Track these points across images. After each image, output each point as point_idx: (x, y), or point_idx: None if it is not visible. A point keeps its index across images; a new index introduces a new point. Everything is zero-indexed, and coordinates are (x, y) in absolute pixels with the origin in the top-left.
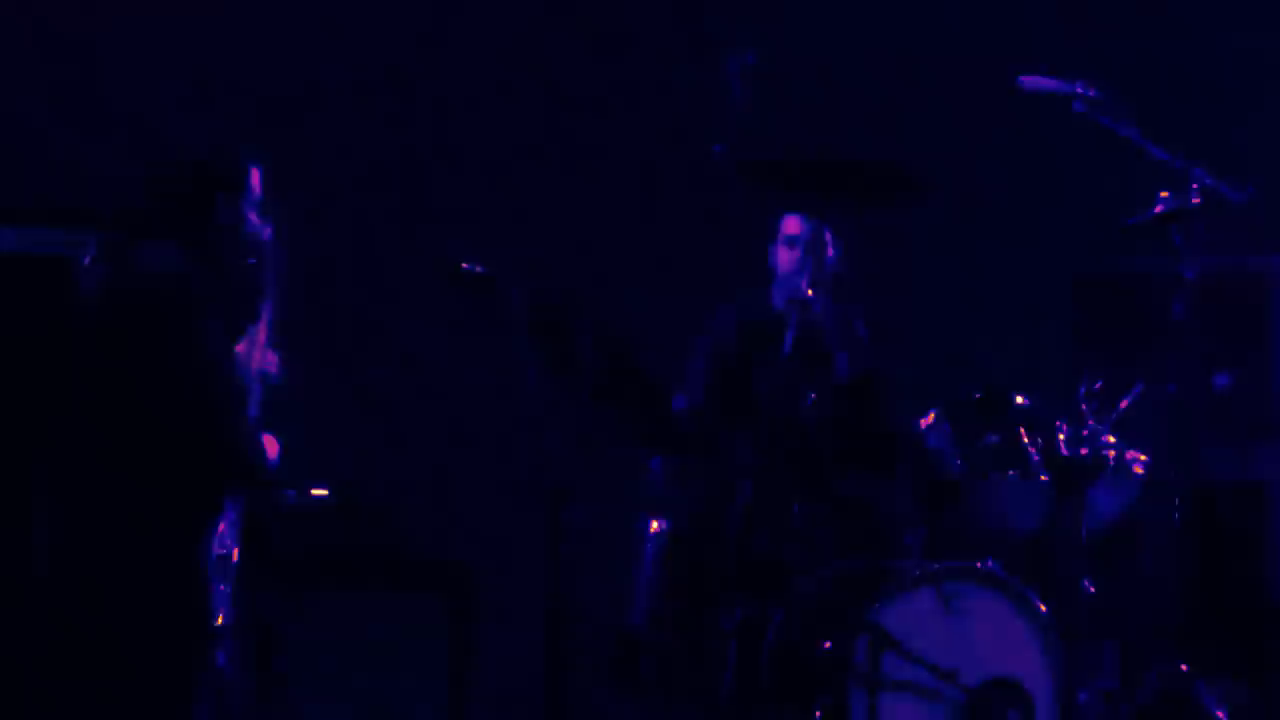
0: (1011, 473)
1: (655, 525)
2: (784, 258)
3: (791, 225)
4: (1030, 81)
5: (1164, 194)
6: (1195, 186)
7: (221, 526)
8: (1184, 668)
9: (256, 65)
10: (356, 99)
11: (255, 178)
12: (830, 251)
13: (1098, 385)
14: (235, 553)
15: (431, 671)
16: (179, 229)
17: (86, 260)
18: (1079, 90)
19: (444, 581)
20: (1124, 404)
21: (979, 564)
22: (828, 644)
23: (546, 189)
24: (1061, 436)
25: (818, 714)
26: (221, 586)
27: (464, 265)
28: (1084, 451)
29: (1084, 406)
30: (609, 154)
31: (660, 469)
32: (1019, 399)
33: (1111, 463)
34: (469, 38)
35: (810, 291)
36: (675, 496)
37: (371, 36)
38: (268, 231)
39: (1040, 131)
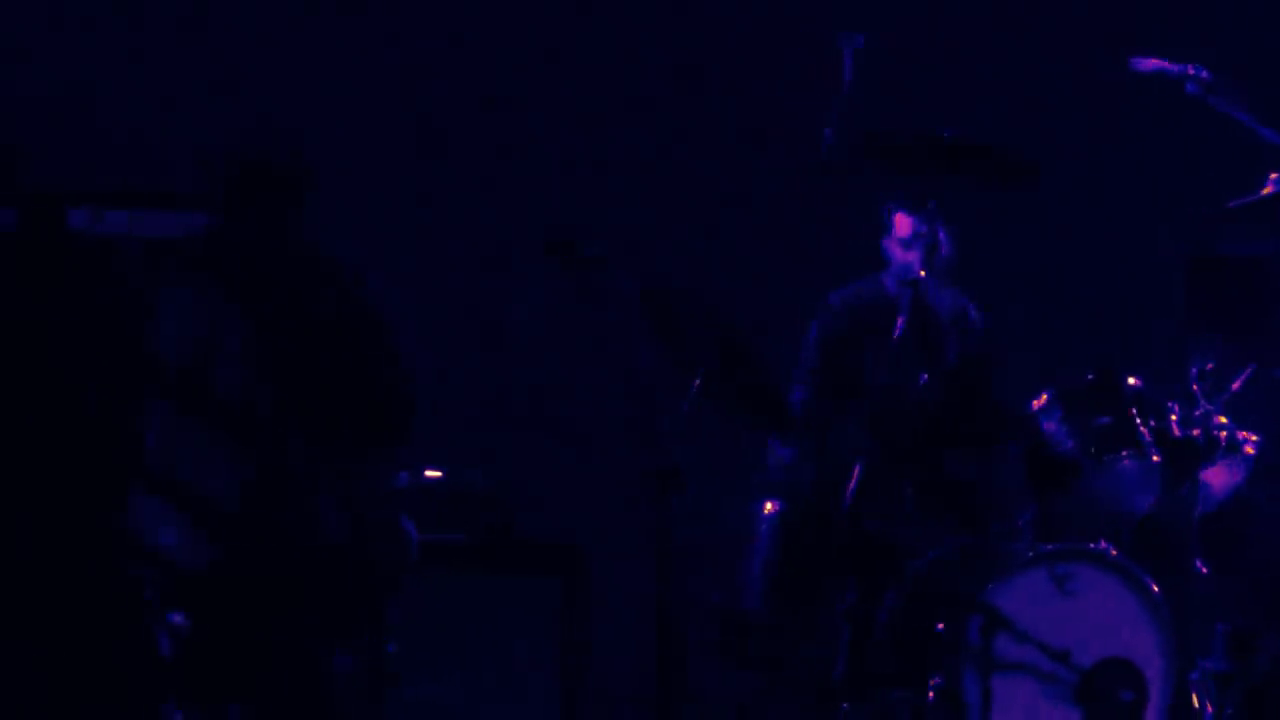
0: (1124, 454)
1: (769, 507)
2: (898, 255)
3: (904, 226)
4: (1143, 63)
5: (1274, 175)
6: None
7: None
8: None
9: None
10: (464, 80)
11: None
12: (944, 250)
13: (1209, 366)
14: None
15: (543, 654)
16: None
17: None
18: (1190, 72)
19: (556, 564)
20: (1236, 385)
21: (1091, 545)
22: (940, 625)
23: (658, 172)
24: (1174, 417)
25: (931, 695)
26: None
27: (576, 247)
28: (1196, 432)
29: (1196, 387)
30: (720, 138)
31: (773, 451)
32: (1131, 380)
33: (1223, 443)
34: (580, 17)
35: (923, 274)
36: (788, 478)
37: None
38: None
39: (1153, 113)
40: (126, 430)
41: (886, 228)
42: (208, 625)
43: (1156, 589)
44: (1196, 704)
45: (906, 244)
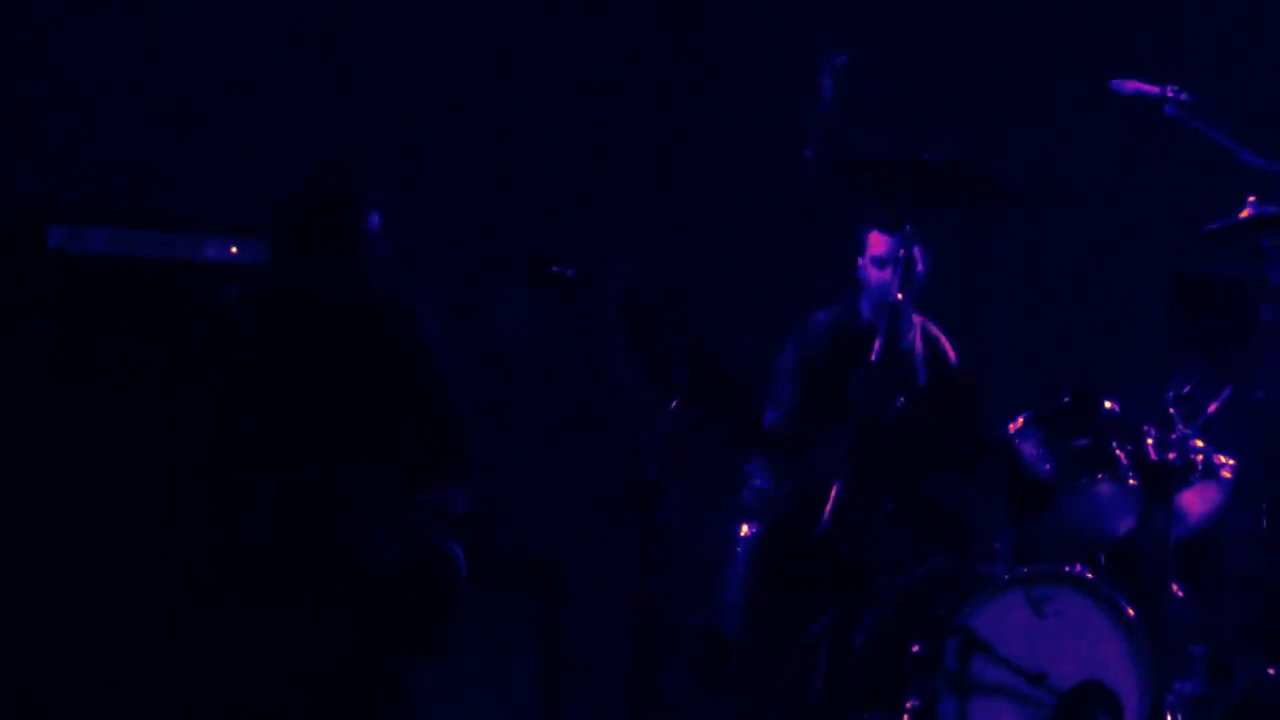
0: (1101, 477)
1: (746, 529)
2: (873, 275)
3: (879, 245)
4: (1122, 85)
5: (1251, 198)
6: None
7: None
8: (1271, 671)
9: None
10: (445, 104)
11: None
12: (920, 267)
13: (1186, 389)
14: None
15: (522, 669)
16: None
17: None
18: (1170, 94)
19: (535, 580)
20: (1212, 408)
21: (1068, 567)
22: (917, 647)
23: (636, 191)
24: (1151, 441)
25: (907, 717)
26: None
27: (554, 267)
28: (1173, 456)
29: (1173, 411)
30: (702, 158)
31: (751, 472)
32: (1108, 403)
33: (1200, 467)
34: (558, 39)
35: (900, 296)
36: (765, 500)
37: (461, 46)
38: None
39: (1133, 134)
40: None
41: (860, 247)
42: (265, 651)
43: (1133, 612)
44: None
45: (881, 263)
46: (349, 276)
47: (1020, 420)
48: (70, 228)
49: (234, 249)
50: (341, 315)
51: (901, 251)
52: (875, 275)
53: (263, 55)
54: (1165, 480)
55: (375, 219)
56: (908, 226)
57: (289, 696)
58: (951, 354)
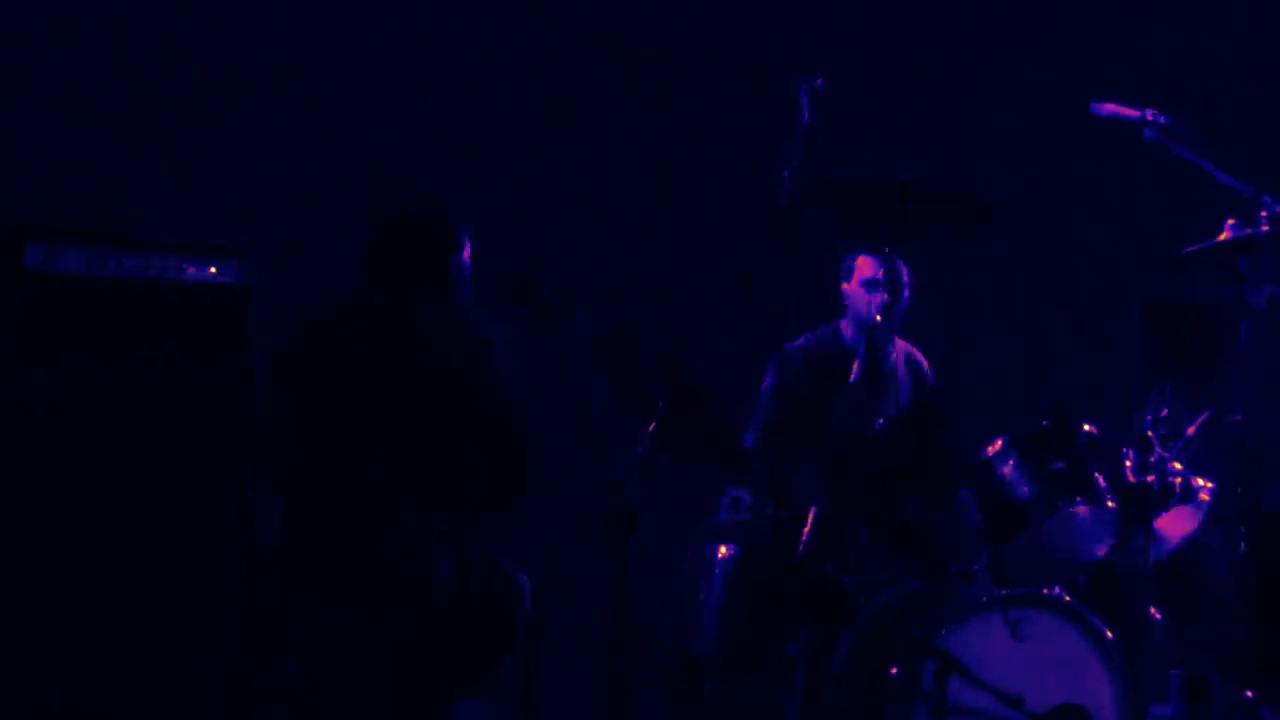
0: (1079, 500)
1: (723, 551)
2: (861, 298)
3: (869, 269)
4: (1100, 108)
5: (1230, 221)
6: (1264, 214)
7: None
8: (1249, 694)
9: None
10: (424, 122)
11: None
12: (905, 293)
13: (1164, 413)
14: None
15: (499, 690)
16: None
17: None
18: (1149, 117)
19: None
20: (1190, 431)
21: (1046, 590)
22: (894, 669)
23: (614, 216)
24: (1128, 464)
25: None
26: None
27: (530, 287)
28: (1151, 479)
29: (1151, 434)
30: (678, 181)
31: (728, 494)
32: (1086, 427)
33: (1178, 490)
34: (529, 60)
35: (879, 319)
36: (742, 523)
37: (435, 63)
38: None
39: (1111, 158)
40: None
41: (848, 272)
42: (330, 674)
43: (1111, 635)
44: None
45: (870, 286)
46: (438, 303)
47: (998, 443)
48: (48, 247)
49: (213, 269)
50: (422, 339)
51: (888, 273)
52: (863, 298)
53: (245, 76)
54: (1143, 503)
55: (466, 249)
56: (893, 249)
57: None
58: (931, 376)
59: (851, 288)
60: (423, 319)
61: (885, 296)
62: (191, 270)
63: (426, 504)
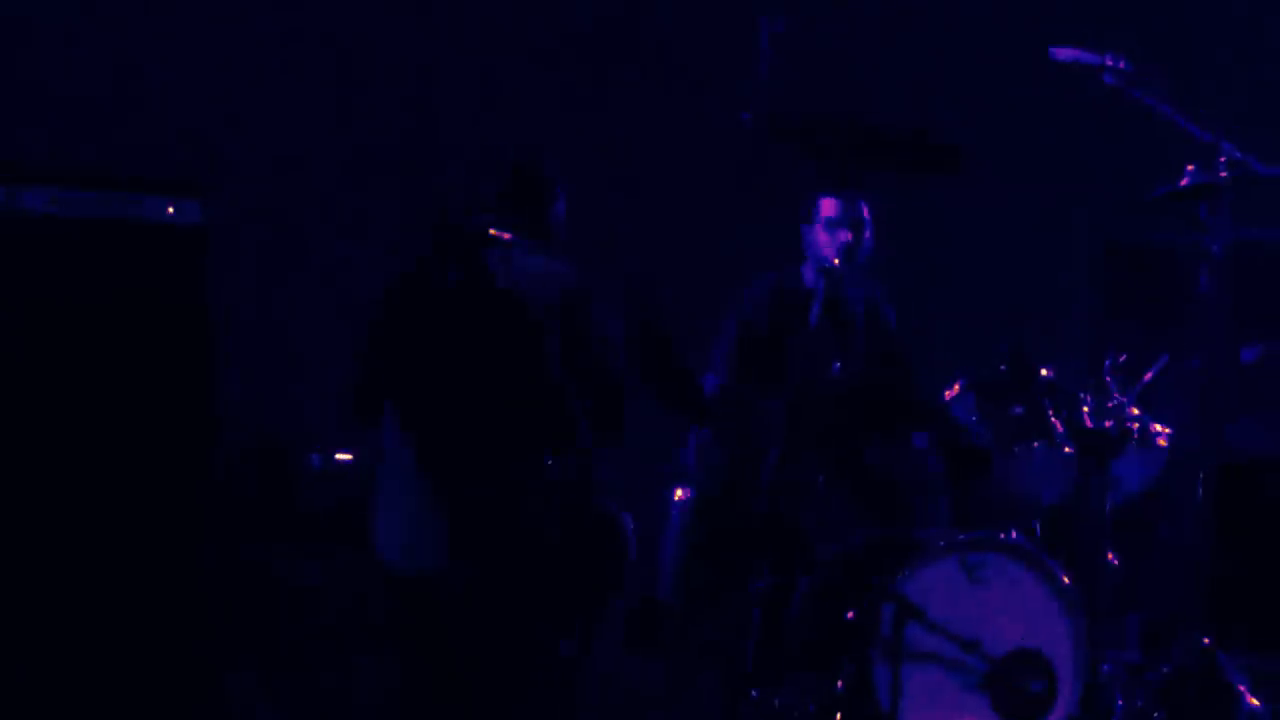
0: (1036, 444)
1: (680, 493)
2: (822, 238)
3: (830, 208)
4: (1061, 52)
5: (1190, 167)
6: (1223, 159)
7: None
8: (1206, 640)
9: None
10: (371, 67)
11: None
12: (867, 233)
13: (1123, 358)
14: None
15: None
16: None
17: None
18: (1109, 62)
19: None
20: (1149, 376)
21: (1003, 535)
22: (851, 613)
23: (575, 157)
24: (1086, 409)
25: (840, 683)
26: None
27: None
28: (1108, 424)
29: (1109, 379)
30: (639, 120)
31: (688, 437)
32: (1044, 371)
33: (1136, 435)
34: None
35: (836, 262)
36: (701, 465)
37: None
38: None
39: (1072, 102)
40: None
41: (811, 213)
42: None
43: (1068, 580)
44: (1107, 695)
45: (832, 225)
46: (543, 252)
47: (956, 387)
48: (5, 188)
49: (171, 209)
50: (525, 285)
51: (852, 213)
52: (825, 239)
53: (201, 15)
54: (1101, 448)
55: (562, 203)
56: (857, 189)
57: (451, 660)
58: (893, 321)
59: (813, 228)
60: (528, 266)
61: (847, 235)
62: (151, 210)
63: (529, 447)
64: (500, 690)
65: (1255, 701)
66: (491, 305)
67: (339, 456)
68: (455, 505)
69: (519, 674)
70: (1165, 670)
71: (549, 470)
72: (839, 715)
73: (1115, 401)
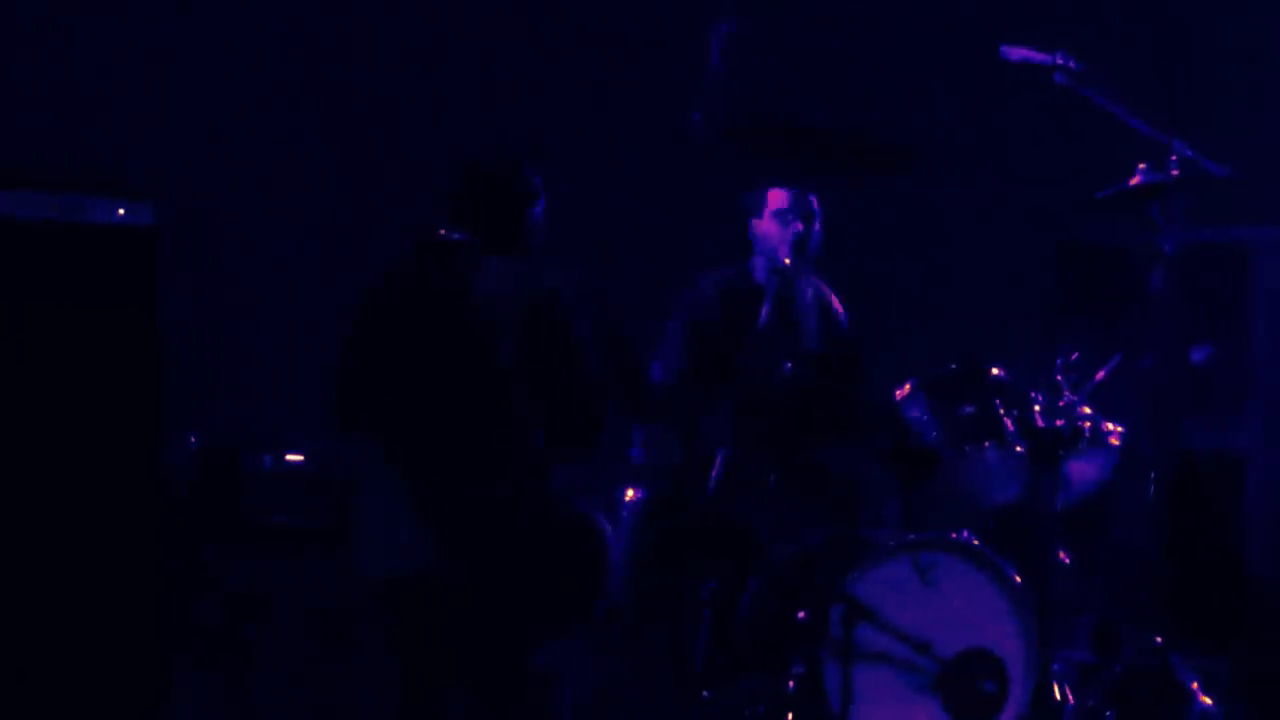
0: (988, 444)
1: (631, 494)
2: (771, 231)
3: (780, 199)
4: (1012, 52)
5: (1141, 166)
6: (1174, 159)
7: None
8: (1158, 639)
9: None
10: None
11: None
12: (817, 225)
13: (1074, 357)
14: None
15: None
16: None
17: None
18: (1059, 61)
19: None
20: (1101, 375)
21: (954, 535)
22: (802, 614)
23: (527, 154)
24: (1038, 408)
25: (791, 684)
26: None
27: (440, 231)
28: (1060, 423)
29: (1060, 378)
30: (589, 120)
31: (637, 437)
32: (995, 370)
33: (1087, 434)
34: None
35: (788, 261)
36: (651, 465)
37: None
38: None
39: (1022, 101)
40: None
41: (758, 207)
42: (423, 619)
43: (1019, 580)
44: (1058, 695)
45: (781, 216)
46: (505, 253)
47: (907, 387)
48: None
49: (121, 211)
50: (498, 292)
51: (801, 205)
52: (775, 233)
53: (152, 13)
54: (1052, 447)
55: (540, 207)
56: (807, 183)
57: (428, 663)
58: (843, 319)
59: (762, 222)
60: (488, 270)
61: (799, 226)
62: (101, 212)
63: (506, 451)
64: (476, 695)
65: (1207, 700)
66: (457, 308)
67: (290, 457)
68: (433, 508)
69: (495, 678)
70: (1117, 670)
71: (523, 473)
72: (790, 716)
73: (1067, 400)
